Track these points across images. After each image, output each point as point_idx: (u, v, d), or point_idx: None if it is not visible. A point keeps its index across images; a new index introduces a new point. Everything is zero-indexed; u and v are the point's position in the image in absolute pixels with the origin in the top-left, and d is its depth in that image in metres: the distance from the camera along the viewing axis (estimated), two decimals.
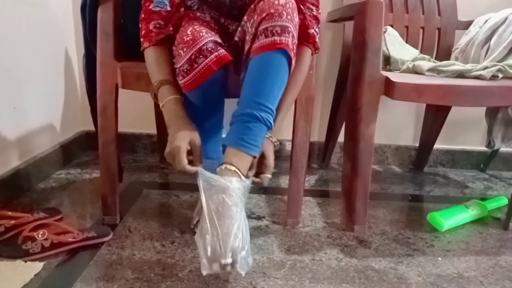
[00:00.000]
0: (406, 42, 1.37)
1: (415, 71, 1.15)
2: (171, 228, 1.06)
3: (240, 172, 0.80)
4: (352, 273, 0.92)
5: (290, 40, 0.82)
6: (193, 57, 0.82)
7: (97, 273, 0.86)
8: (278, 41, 0.81)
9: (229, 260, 0.71)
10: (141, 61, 1.00)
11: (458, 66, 1.10)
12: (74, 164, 1.47)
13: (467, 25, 1.39)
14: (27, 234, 0.92)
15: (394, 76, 1.02)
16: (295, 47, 0.85)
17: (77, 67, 1.54)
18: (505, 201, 1.29)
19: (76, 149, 1.53)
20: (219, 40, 0.86)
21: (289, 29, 0.82)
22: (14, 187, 1.17)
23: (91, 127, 1.53)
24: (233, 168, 0.80)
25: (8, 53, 1.14)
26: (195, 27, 0.87)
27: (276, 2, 0.83)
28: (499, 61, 1.17)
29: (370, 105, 1.04)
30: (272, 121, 0.84)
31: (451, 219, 1.15)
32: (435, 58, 1.37)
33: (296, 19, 0.85)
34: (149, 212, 1.15)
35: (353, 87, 1.06)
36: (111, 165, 1.06)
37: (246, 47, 0.87)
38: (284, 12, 0.82)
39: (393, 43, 1.24)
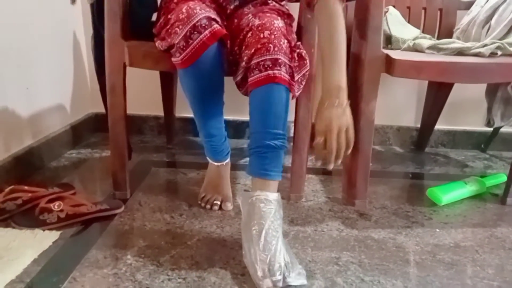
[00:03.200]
0: (408, 22, 1.39)
1: (416, 49, 1.17)
2: (179, 202, 1.11)
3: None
4: (353, 242, 0.96)
5: (283, 71, 0.88)
6: (188, 33, 0.86)
7: (110, 241, 0.91)
8: (272, 75, 0.87)
9: (279, 277, 0.76)
10: (147, 41, 1.04)
11: (458, 44, 1.13)
12: (84, 145, 1.52)
13: (468, 5, 1.41)
14: (43, 206, 0.96)
15: (395, 54, 1.05)
16: (290, 71, 0.90)
17: (85, 50, 1.58)
18: (503, 178, 1.32)
19: (86, 131, 1.58)
20: (214, 16, 0.89)
21: (280, 60, 0.87)
22: (28, 164, 1.22)
23: (100, 109, 1.58)
24: (263, 195, 0.85)
25: (19, 35, 1.18)
26: (190, 4, 0.89)
27: (261, 36, 0.88)
28: (500, 40, 1.18)
29: (370, 82, 1.07)
30: (285, 143, 0.90)
31: (449, 194, 1.18)
32: (437, 39, 1.39)
33: (285, 44, 0.89)
34: (158, 188, 1.20)
35: (354, 65, 1.09)
36: (121, 142, 1.10)
37: (239, 76, 0.94)
38: (270, 45, 0.87)
39: (395, 22, 1.27)
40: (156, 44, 0.99)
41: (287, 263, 0.79)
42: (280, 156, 0.90)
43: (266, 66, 0.87)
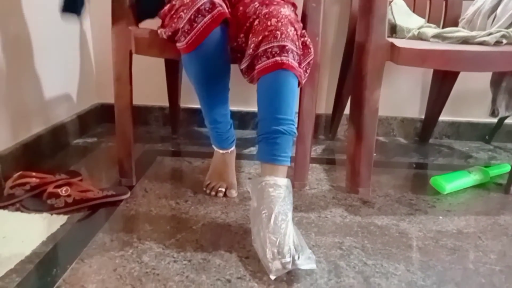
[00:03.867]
0: (413, 12, 1.39)
1: (420, 38, 1.17)
2: (184, 189, 1.12)
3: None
4: (356, 228, 0.97)
5: (291, 57, 0.88)
6: (192, 17, 0.87)
7: (117, 225, 0.93)
8: (280, 61, 0.88)
9: (289, 259, 0.76)
10: (152, 28, 1.06)
11: (463, 32, 1.13)
12: (90, 134, 1.54)
13: None
14: (51, 191, 0.98)
15: (399, 42, 1.05)
16: (298, 58, 0.91)
17: (91, 41, 1.59)
18: (507, 168, 1.32)
19: (92, 121, 1.60)
20: (217, 0, 0.89)
21: (287, 47, 0.88)
22: (36, 152, 1.24)
23: (106, 100, 1.61)
24: (272, 180, 0.86)
25: (27, 24, 1.19)
26: None
27: (268, 23, 0.89)
28: (505, 29, 1.18)
29: (375, 71, 1.07)
30: (294, 129, 0.91)
31: (453, 182, 1.19)
32: (442, 29, 1.39)
33: (292, 32, 0.90)
34: (163, 176, 1.22)
35: (359, 54, 1.10)
36: (127, 130, 1.11)
37: (245, 63, 0.94)
38: (278, 32, 0.88)
39: (400, 12, 1.27)
40: (159, 32, 1.00)
41: (297, 246, 0.79)
42: (289, 141, 0.91)
43: (273, 52, 0.88)
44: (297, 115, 1.13)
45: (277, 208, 0.82)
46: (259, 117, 0.92)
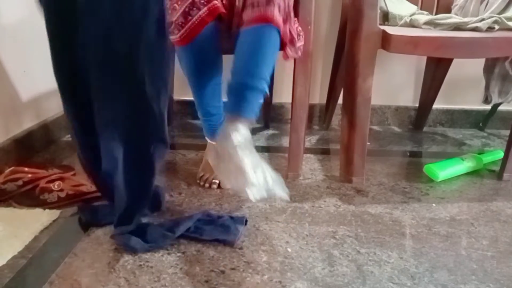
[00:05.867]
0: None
1: (413, 25, 1.17)
2: (178, 181, 1.12)
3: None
4: (350, 217, 0.97)
5: (276, 10, 0.86)
6: (187, 9, 0.86)
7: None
8: (263, 13, 0.85)
9: (263, 184, 0.79)
10: None
11: (455, 19, 1.12)
12: None
13: None
14: (43, 186, 0.98)
15: (391, 30, 1.05)
16: (283, 14, 0.88)
17: None
18: (501, 154, 1.32)
19: None
20: None
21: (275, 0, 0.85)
22: (28, 147, 1.23)
23: None
24: (233, 126, 0.85)
25: (15, 17, 1.17)
26: None
27: None
28: (497, 14, 1.17)
29: (367, 59, 1.06)
30: (266, 88, 0.89)
31: (446, 170, 1.19)
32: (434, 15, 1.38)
33: None
34: None
35: (351, 41, 1.09)
36: None
37: (236, 19, 0.91)
38: None
39: None
40: None
41: (272, 175, 0.81)
42: (258, 100, 0.90)
43: (259, 3, 0.86)
44: (289, 103, 1.13)
45: (241, 146, 0.82)
46: (233, 68, 0.90)
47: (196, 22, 0.87)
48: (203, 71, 0.98)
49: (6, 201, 0.97)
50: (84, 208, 0.93)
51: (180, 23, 0.87)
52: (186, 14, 0.86)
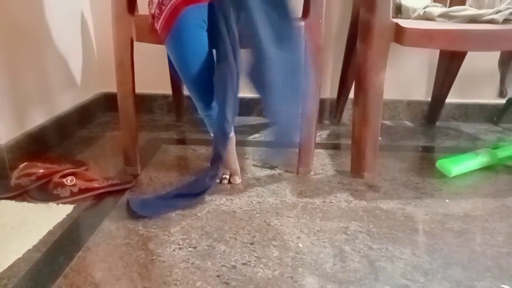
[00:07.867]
0: None
1: (426, 17, 1.14)
2: (189, 176, 1.12)
3: None
4: (361, 213, 0.96)
5: None
6: (161, 0, 0.85)
7: (122, 213, 0.94)
8: None
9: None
10: None
11: (470, 11, 1.09)
12: (95, 124, 1.54)
13: None
14: (57, 181, 0.99)
15: (405, 23, 1.03)
16: None
17: (93, 30, 1.58)
18: None
19: (96, 110, 1.60)
20: None
21: None
22: (41, 142, 1.24)
23: (109, 89, 1.60)
24: None
25: (29, 13, 1.18)
26: None
27: None
28: None
29: (380, 52, 1.05)
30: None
31: (460, 165, 1.17)
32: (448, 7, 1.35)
33: None
34: (168, 163, 1.22)
35: (363, 35, 1.07)
36: (130, 117, 1.11)
37: None
38: None
39: None
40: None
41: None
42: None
43: None
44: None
45: None
46: None
47: (170, 11, 0.85)
48: (192, 62, 0.93)
49: (21, 195, 0.99)
50: (134, 200, 0.97)
51: (157, 14, 0.87)
52: (160, 5, 0.85)
